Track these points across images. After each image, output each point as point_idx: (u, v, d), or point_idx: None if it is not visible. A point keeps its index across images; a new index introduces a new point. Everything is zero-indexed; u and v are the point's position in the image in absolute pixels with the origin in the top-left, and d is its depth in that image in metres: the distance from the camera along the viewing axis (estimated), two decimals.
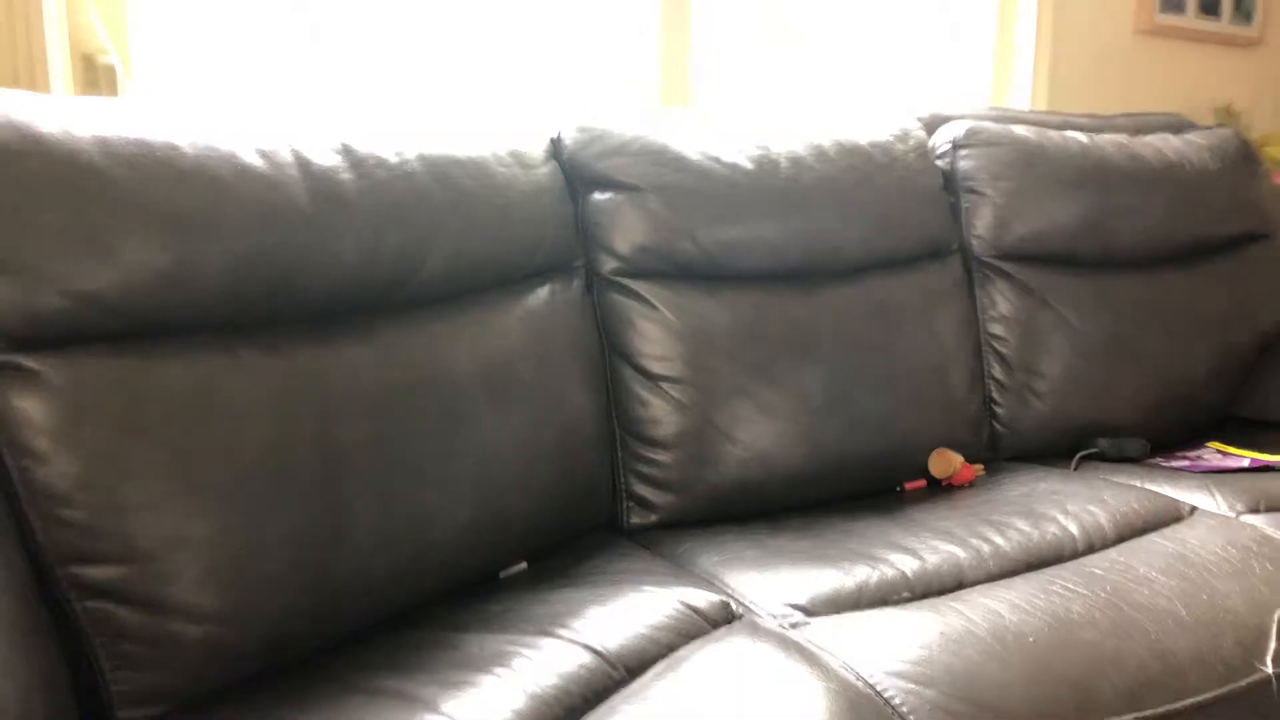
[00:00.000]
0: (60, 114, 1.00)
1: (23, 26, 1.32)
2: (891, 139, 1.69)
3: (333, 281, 1.13)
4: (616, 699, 0.98)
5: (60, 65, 1.37)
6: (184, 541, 0.96)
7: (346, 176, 1.15)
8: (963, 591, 1.19)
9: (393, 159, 1.19)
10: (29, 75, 1.32)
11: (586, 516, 1.39)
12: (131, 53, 1.46)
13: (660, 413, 1.42)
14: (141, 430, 0.96)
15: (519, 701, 0.94)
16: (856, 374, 1.54)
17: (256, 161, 1.08)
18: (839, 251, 1.58)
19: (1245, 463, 1.61)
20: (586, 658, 1.02)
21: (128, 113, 1.06)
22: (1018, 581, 1.20)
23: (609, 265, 1.45)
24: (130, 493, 0.94)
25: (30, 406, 0.92)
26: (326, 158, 1.14)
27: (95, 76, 1.43)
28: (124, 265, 0.96)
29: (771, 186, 1.52)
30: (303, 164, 1.12)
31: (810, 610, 1.15)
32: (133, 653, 0.93)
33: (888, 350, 1.59)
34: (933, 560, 1.25)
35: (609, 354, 1.45)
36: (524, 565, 1.29)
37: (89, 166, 0.96)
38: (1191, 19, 2.44)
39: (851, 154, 1.61)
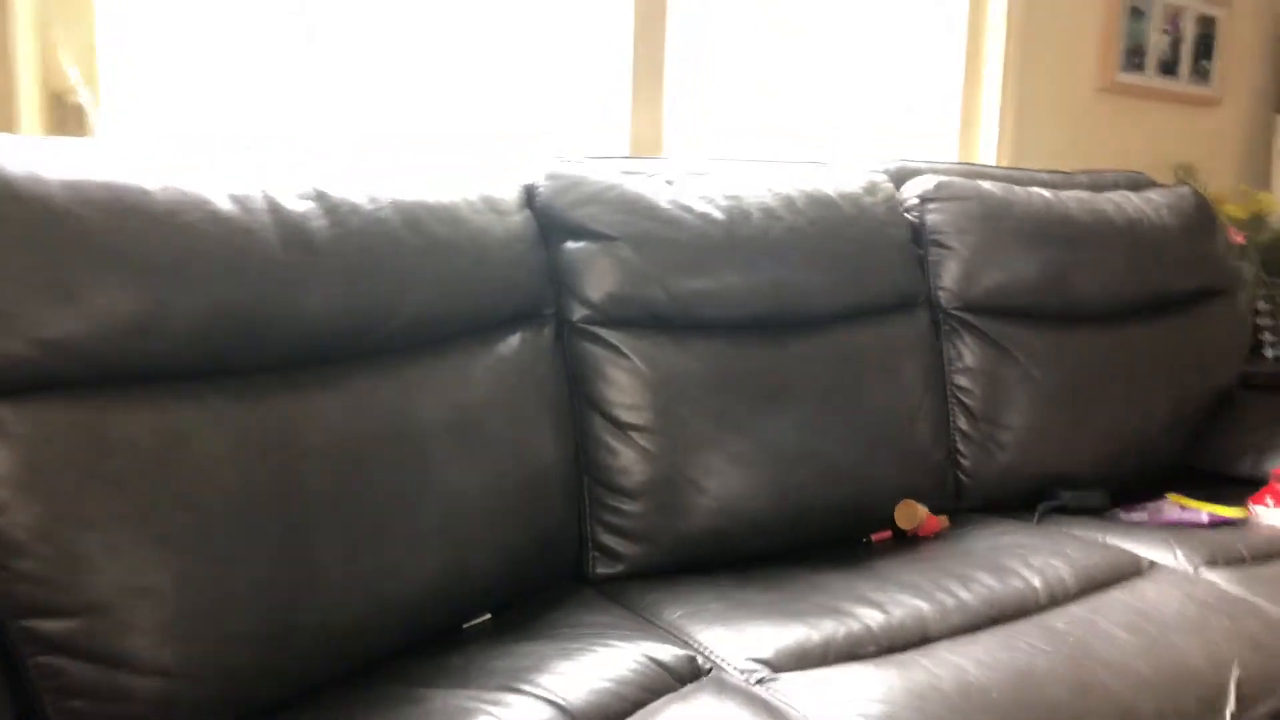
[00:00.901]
0: (29, 156, 0.99)
1: None
2: (860, 191, 1.71)
3: (303, 329, 1.12)
4: None
5: (30, 104, 1.36)
6: (144, 593, 0.94)
7: (319, 223, 1.14)
8: (928, 646, 1.19)
9: (366, 205, 1.19)
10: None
11: (552, 567, 1.38)
12: (101, 92, 1.45)
13: (629, 462, 1.42)
14: (105, 479, 0.94)
15: None
16: (824, 424, 1.55)
17: (229, 207, 1.08)
18: (807, 302, 1.59)
19: (1204, 518, 1.64)
20: (550, 714, 1.01)
21: (98, 155, 1.05)
22: (982, 636, 1.21)
23: (580, 313, 1.46)
24: (90, 543, 0.92)
25: None
26: (299, 204, 1.14)
27: (65, 116, 1.42)
28: (92, 312, 0.95)
29: (742, 237, 1.53)
30: (275, 210, 1.12)
31: (776, 665, 1.15)
32: (84, 710, 0.91)
33: (855, 401, 1.60)
34: (898, 614, 1.26)
35: (578, 402, 1.45)
36: (488, 617, 1.28)
37: (58, 211, 0.96)
38: (1151, 78, 2.50)
39: (821, 205, 1.63)
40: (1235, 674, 1.16)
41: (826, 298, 1.61)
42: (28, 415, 0.92)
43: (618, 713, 1.04)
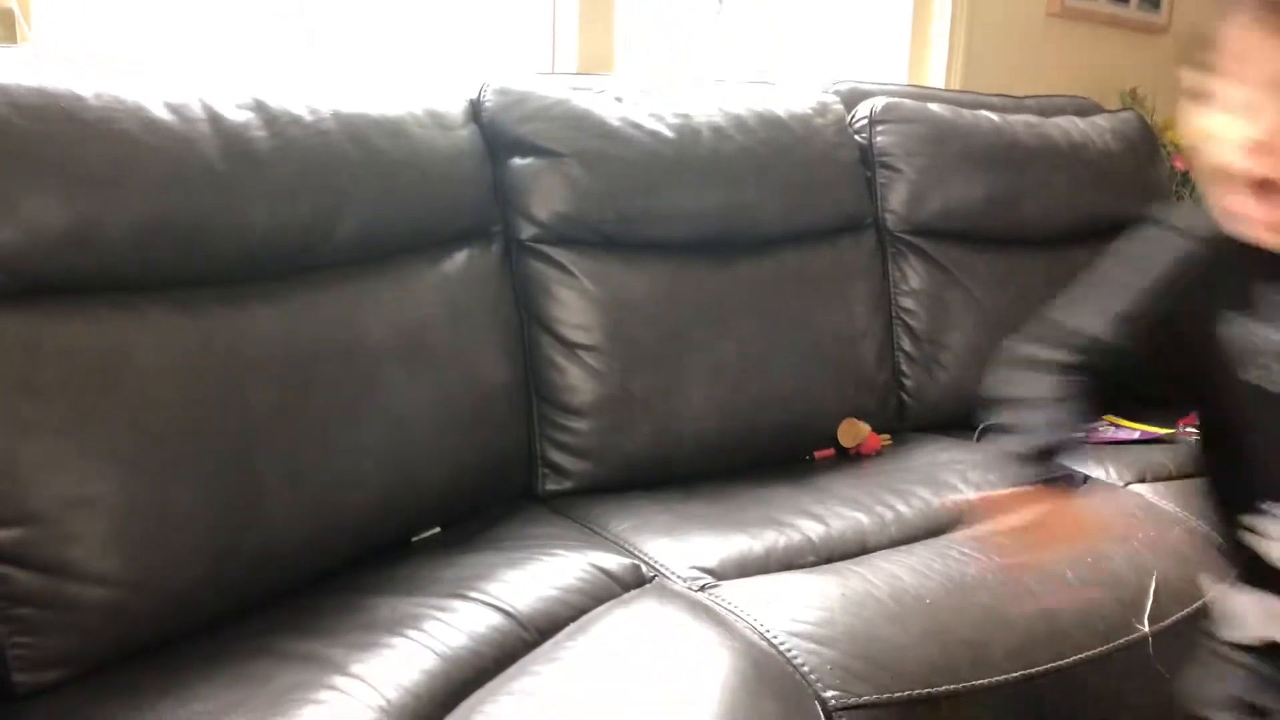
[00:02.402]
0: None
1: None
2: (810, 112, 1.71)
3: (244, 242, 1.11)
4: (527, 660, 1.00)
5: None
6: (86, 504, 0.94)
7: (259, 134, 1.12)
8: (866, 556, 1.23)
9: (307, 116, 1.17)
10: None
11: (501, 483, 1.40)
12: (31, 1, 1.40)
13: (577, 380, 1.43)
14: (41, 390, 0.93)
15: (428, 662, 0.95)
16: (771, 344, 1.57)
17: (165, 115, 1.05)
18: (757, 223, 1.60)
19: (1135, 435, 1.69)
20: (497, 619, 1.03)
21: (28, 61, 1.02)
22: (918, 547, 1.25)
23: (528, 232, 1.45)
24: (29, 454, 0.92)
25: None
26: (238, 114, 1.11)
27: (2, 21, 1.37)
28: (24, 222, 0.94)
29: (693, 156, 1.53)
30: (214, 119, 1.09)
31: (719, 573, 1.18)
32: (31, 616, 0.91)
33: (802, 322, 1.62)
34: (838, 526, 1.29)
35: (527, 321, 1.45)
36: (437, 530, 1.29)
37: None
38: (1102, 4, 2.50)
39: (771, 126, 1.63)
40: (1154, 579, 1.21)
41: (776, 219, 1.62)
42: None
43: (564, 618, 1.07)
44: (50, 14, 1.44)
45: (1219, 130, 0.77)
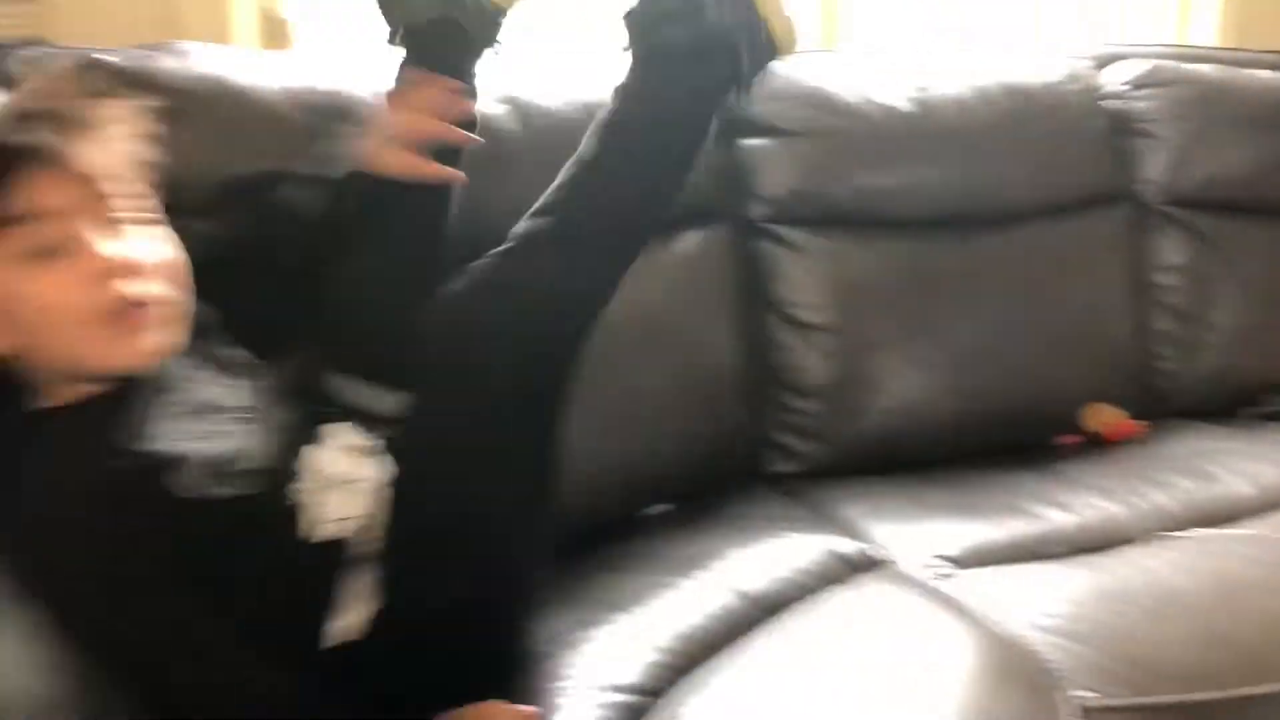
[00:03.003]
0: (251, 69, 1.07)
1: None
2: (1059, 79, 1.61)
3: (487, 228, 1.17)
4: (755, 634, 1.00)
5: (243, 20, 1.45)
6: None
7: (510, 126, 1.21)
8: (1121, 549, 1.16)
9: (556, 106, 1.24)
10: (219, 31, 1.40)
11: (730, 462, 1.40)
12: (302, 8, 1.53)
13: (807, 361, 1.41)
14: None
15: (662, 639, 0.97)
16: (1011, 324, 1.50)
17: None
18: (998, 197, 1.53)
19: None
20: (729, 598, 1.04)
21: (309, 65, 1.13)
22: (1182, 542, 1.16)
23: (759, 211, 1.45)
24: None
25: None
26: (491, 109, 1.18)
27: (275, 31, 1.50)
28: None
29: (931, 130, 1.48)
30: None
31: (958, 562, 1.14)
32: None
33: (1046, 300, 1.53)
34: (1089, 516, 1.22)
35: (756, 302, 1.45)
36: (670, 506, 1.32)
37: (282, 118, 1.04)
38: None
39: (1016, 96, 1.55)
40: None
41: (1019, 192, 1.54)
42: None
43: (794, 600, 1.06)
44: (318, 17, 1.57)
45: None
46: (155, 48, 1.11)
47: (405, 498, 0.87)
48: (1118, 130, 1.66)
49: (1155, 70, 1.69)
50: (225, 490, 0.81)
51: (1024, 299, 1.51)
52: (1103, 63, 1.73)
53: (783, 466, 1.43)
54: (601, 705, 0.88)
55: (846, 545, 1.16)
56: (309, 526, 0.83)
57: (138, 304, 0.80)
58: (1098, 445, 1.50)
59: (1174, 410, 1.62)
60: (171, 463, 0.79)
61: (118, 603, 0.75)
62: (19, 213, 0.76)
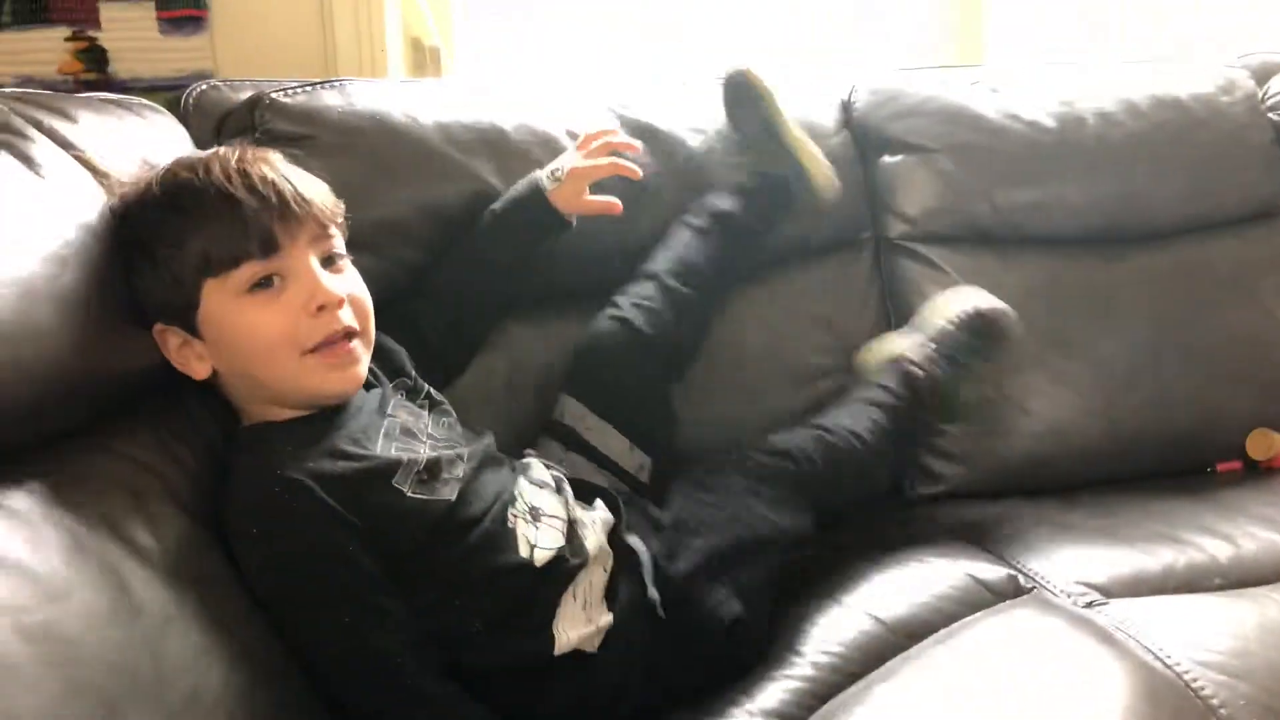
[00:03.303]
0: (406, 100, 1.13)
1: (365, 16, 1.48)
2: (1214, 90, 1.55)
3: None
4: (895, 661, 0.99)
5: (396, 50, 1.52)
6: None
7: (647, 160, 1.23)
8: None
9: (693, 140, 1.29)
10: (370, 61, 1.48)
11: (872, 484, 1.39)
12: (454, 36, 1.60)
13: None
14: None
15: (801, 666, 0.97)
16: (1163, 345, 1.44)
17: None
18: (1149, 213, 1.47)
19: None
20: (868, 624, 1.03)
21: (459, 96, 1.18)
22: None
23: (898, 229, 1.44)
24: None
25: None
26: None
27: (423, 59, 1.57)
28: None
29: (1076, 145, 1.44)
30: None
31: (1107, 590, 1.10)
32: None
33: (1201, 320, 1.47)
34: (1250, 547, 1.16)
35: (896, 322, 1.43)
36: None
37: (435, 152, 1.11)
38: None
39: (1166, 108, 1.49)
40: None
41: (1171, 208, 1.48)
42: None
43: (936, 627, 1.04)
44: (466, 45, 1.64)
45: None
46: (319, 84, 1.18)
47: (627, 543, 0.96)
48: None
49: None
50: (442, 496, 0.86)
51: (1178, 319, 1.45)
52: (1262, 73, 1.65)
53: (925, 489, 1.40)
54: None
55: (990, 571, 1.13)
56: (525, 548, 0.89)
57: (350, 335, 0.86)
58: (1261, 473, 1.43)
59: None
60: (391, 466, 0.85)
61: (335, 597, 0.80)
62: (246, 251, 0.82)
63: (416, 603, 0.83)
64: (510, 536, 0.89)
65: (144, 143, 0.92)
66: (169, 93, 1.14)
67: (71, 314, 0.75)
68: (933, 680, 0.94)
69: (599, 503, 0.99)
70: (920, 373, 1.20)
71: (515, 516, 0.90)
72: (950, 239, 1.43)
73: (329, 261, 0.87)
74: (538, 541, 0.90)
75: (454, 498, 0.87)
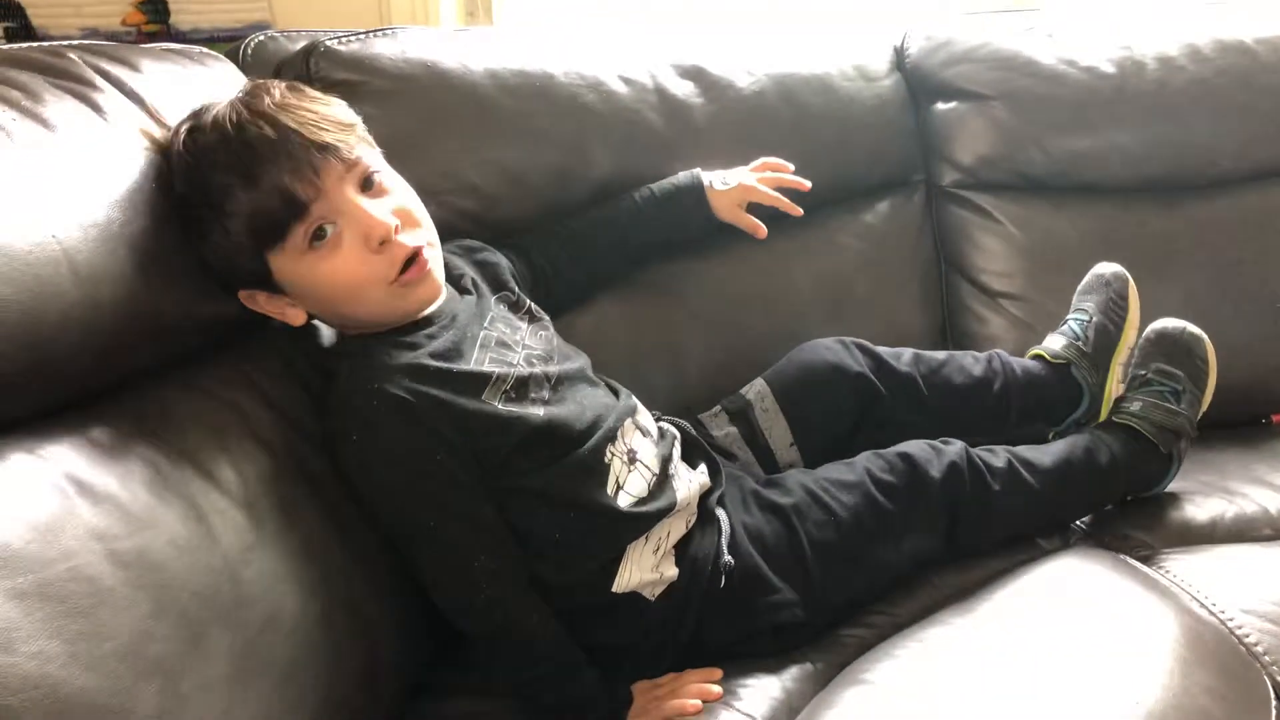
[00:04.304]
0: (457, 49, 1.14)
1: None
2: None
3: None
4: (944, 612, 1.00)
5: (449, 0, 1.53)
6: None
7: (698, 100, 1.23)
8: None
9: (743, 80, 1.25)
10: (424, 10, 1.49)
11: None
12: None
13: (998, 330, 1.39)
14: None
15: (848, 613, 0.99)
16: (1222, 294, 1.41)
17: (620, 88, 1.18)
18: (1209, 161, 1.44)
19: None
20: (919, 574, 1.04)
21: (508, 43, 1.18)
22: None
23: (950, 177, 1.43)
24: None
25: None
26: (680, 84, 1.23)
27: (474, 7, 1.58)
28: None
29: (1134, 91, 1.41)
30: (660, 90, 1.21)
31: (1155, 540, 1.11)
32: None
33: (1260, 270, 1.44)
34: None
35: (946, 269, 1.43)
36: None
37: (485, 101, 1.12)
38: None
39: (1232, 52, 1.45)
40: None
41: (1233, 156, 1.45)
42: None
43: (983, 578, 1.05)
44: None
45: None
46: (372, 33, 1.19)
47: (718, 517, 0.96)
48: None
49: None
50: (531, 412, 0.89)
51: (1235, 267, 1.42)
52: None
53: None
54: (782, 678, 0.91)
55: None
56: (612, 486, 0.91)
57: (416, 252, 0.88)
58: None
59: None
60: (483, 379, 0.88)
61: (425, 504, 0.85)
62: (283, 219, 0.83)
63: (509, 505, 0.87)
64: (604, 473, 0.91)
65: (205, 90, 0.94)
66: (227, 43, 1.16)
67: (151, 258, 0.78)
68: (981, 629, 0.96)
69: (703, 467, 1.00)
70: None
71: (613, 455, 0.92)
72: (1003, 187, 1.42)
73: (368, 184, 0.87)
74: (626, 485, 0.92)
75: (541, 414, 0.89)
